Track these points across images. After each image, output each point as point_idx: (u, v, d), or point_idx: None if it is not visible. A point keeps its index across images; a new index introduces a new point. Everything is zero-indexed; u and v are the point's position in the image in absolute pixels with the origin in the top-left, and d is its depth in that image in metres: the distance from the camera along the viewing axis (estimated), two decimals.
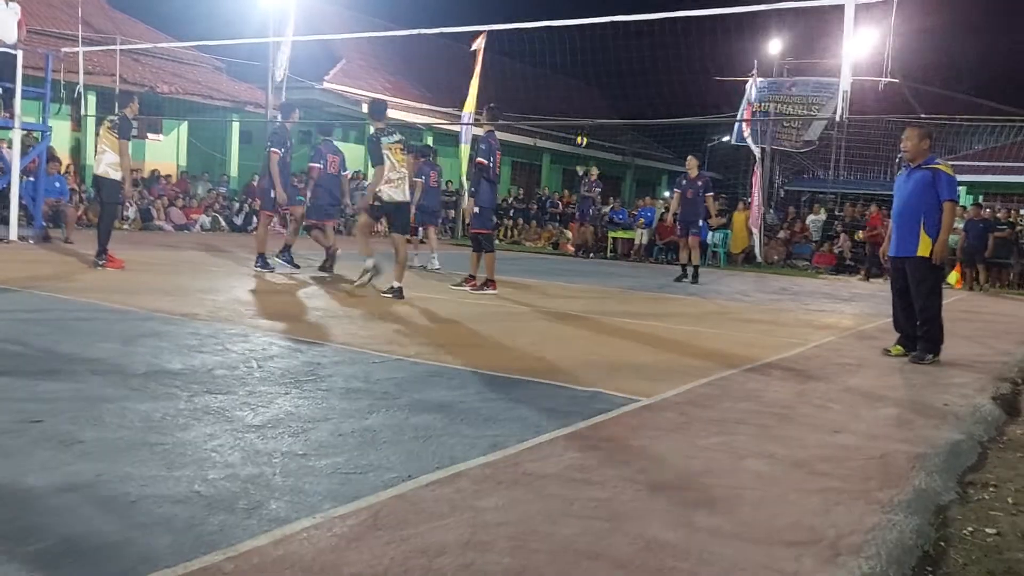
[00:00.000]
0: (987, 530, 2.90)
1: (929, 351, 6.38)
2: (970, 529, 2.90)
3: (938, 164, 6.48)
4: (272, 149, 10.15)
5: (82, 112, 18.57)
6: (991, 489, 3.37)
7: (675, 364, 5.79)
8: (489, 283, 9.54)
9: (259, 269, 10.29)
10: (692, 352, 6.38)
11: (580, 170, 20.49)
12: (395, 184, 8.43)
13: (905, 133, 6.62)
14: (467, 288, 9.59)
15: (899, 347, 6.64)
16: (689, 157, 13.89)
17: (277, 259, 10.63)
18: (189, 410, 3.70)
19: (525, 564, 2.32)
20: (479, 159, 9.60)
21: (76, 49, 16.56)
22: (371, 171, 8.96)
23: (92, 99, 18.65)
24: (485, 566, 2.29)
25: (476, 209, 9.60)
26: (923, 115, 17.49)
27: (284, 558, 2.26)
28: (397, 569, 2.24)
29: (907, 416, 4.51)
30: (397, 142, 8.47)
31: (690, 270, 13.57)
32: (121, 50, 17.84)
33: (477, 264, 9.73)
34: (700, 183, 13.43)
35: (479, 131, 10.41)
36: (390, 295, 8.31)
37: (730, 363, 5.79)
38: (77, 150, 20.12)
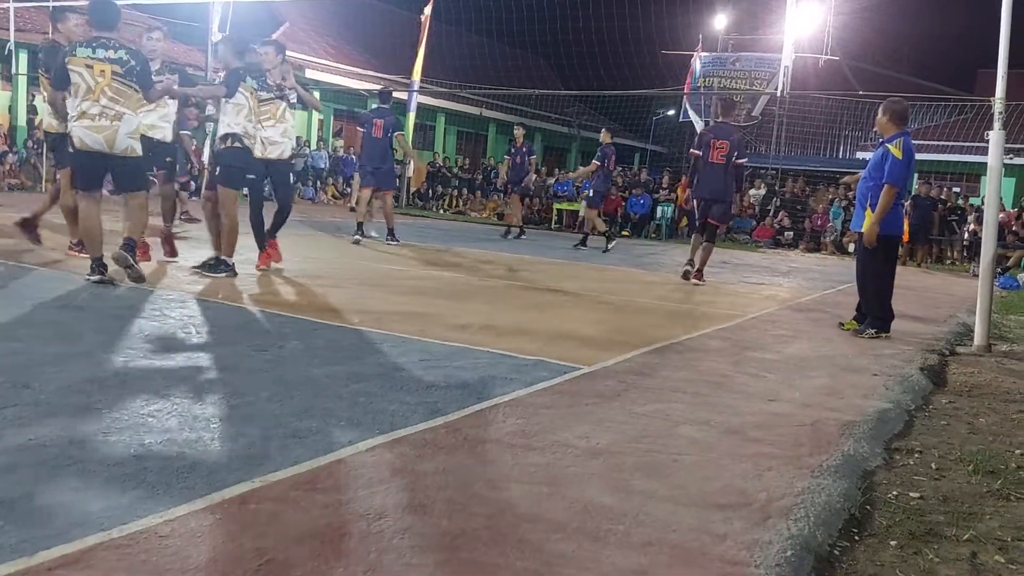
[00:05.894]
0: (911, 494, 3.01)
1: (872, 326, 6.48)
2: (895, 493, 3.01)
3: (891, 144, 6.35)
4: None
5: (13, 71, 17.91)
6: (916, 455, 3.50)
7: (616, 334, 5.86)
8: (698, 273, 9.51)
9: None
10: (633, 322, 6.47)
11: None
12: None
13: None
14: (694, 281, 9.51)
15: (853, 322, 6.73)
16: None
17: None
18: (126, 375, 3.64)
19: (464, 527, 2.35)
20: (692, 150, 9.70)
21: (7, 4, 15.94)
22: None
23: (24, 57, 17.98)
24: (424, 529, 2.32)
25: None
26: (860, 92, 17.83)
27: (222, 521, 2.25)
28: (335, 532, 2.25)
29: (838, 385, 4.64)
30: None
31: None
32: (54, 6, 17.19)
33: (697, 251, 9.68)
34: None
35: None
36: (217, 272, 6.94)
37: (670, 333, 5.88)
38: (8, 109, 19.41)
